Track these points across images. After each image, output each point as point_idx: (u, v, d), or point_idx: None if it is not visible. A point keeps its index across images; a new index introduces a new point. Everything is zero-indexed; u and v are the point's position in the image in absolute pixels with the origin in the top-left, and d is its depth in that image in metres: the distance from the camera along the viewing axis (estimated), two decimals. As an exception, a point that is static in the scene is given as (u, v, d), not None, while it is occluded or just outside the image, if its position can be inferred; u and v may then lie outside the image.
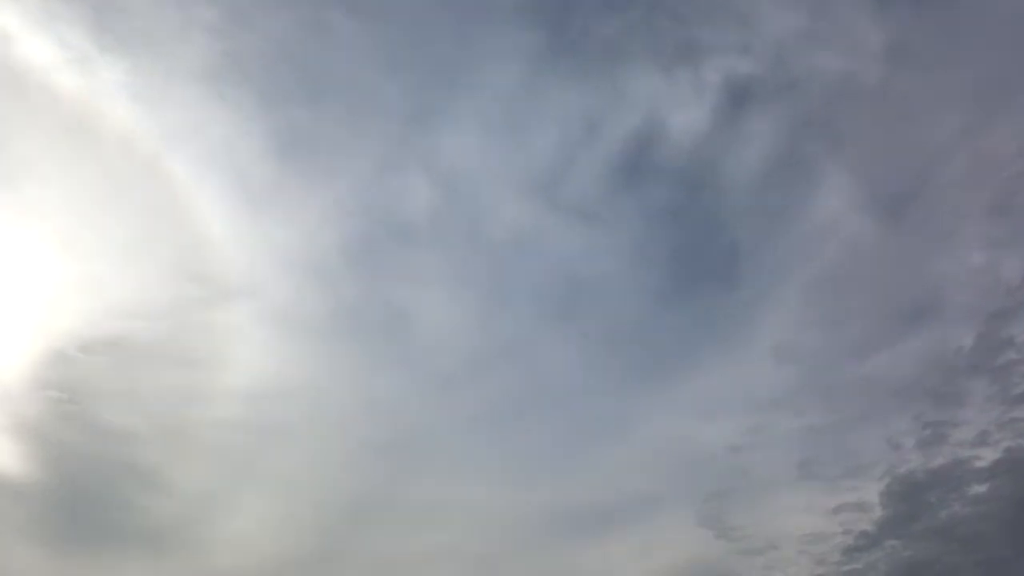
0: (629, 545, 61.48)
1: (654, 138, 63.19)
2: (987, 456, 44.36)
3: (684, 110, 61.79)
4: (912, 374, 51.20)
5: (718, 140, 62.32)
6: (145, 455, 58.24)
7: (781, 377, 59.93)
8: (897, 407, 49.78)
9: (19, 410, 55.17)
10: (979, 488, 44.03)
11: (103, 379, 58.11)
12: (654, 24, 61.64)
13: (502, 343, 69.80)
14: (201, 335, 60.42)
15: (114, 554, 55.66)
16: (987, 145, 52.03)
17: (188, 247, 60.43)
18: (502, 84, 63.15)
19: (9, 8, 51.73)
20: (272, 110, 60.92)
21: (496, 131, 64.25)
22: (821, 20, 58.22)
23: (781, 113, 61.30)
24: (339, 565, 59.98)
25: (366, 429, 66.56)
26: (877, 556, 45.34)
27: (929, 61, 55.66)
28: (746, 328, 63.96)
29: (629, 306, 67.68)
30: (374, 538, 62.12)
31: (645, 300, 66.93)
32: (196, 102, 58.66)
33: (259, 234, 63.21)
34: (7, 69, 52.37)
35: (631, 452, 64.43)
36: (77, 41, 54.02)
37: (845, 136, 58.65)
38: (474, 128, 63.35)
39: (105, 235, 58.85)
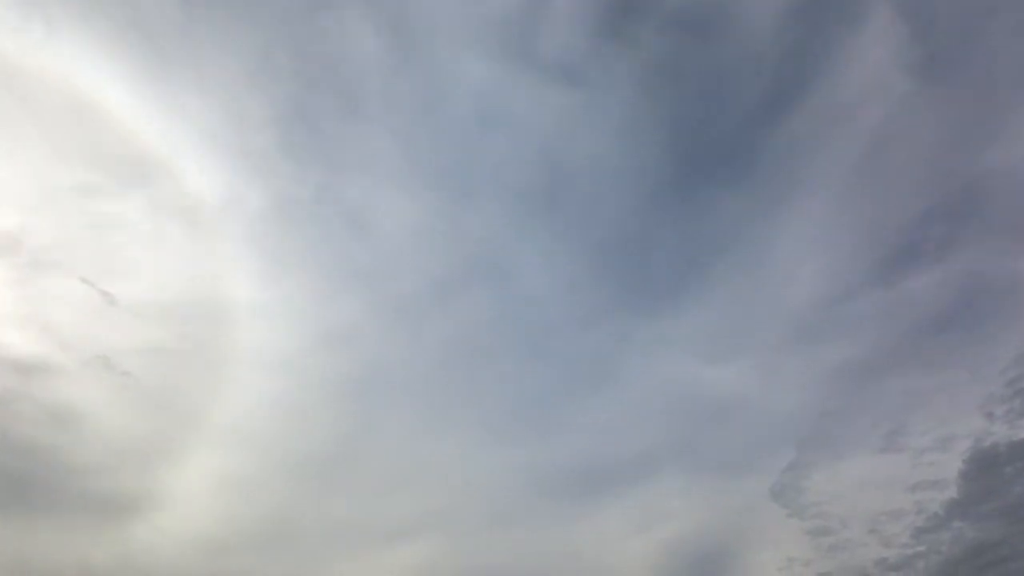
0: (625, 516, 51.82)
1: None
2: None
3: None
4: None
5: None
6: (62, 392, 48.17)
7: (808, 302, 53.14)
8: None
9: None
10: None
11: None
12: None
13: (471, 256, 56.17)
14: (108, 233, 49.39)
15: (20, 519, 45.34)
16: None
17: (88, 128, 47.95)
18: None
19: None
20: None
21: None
22: None
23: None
24: (300, 539, 50.24)
25: (321, 366, 55.13)
26: (943, 537, 40.93)
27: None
28: (765, 234, 55.59)
29: (620, 203, 56.72)
30: (335, 503, 52.92)
31: (640, 193, 56.19)
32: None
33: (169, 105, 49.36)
34: None
35: (625, 401, 54.99)
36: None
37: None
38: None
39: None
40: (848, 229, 52.56)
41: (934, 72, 47.89)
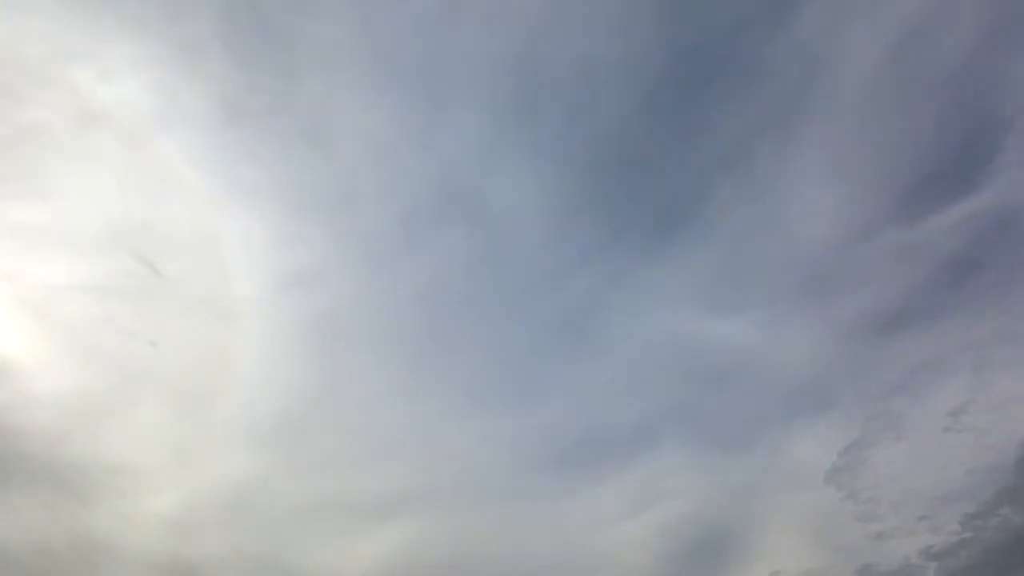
0: (620, 495, 46.56)
1: None
2: None
3: None
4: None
5: None
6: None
7: (823, 242, 47.04)
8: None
9: None
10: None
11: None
12: None
13: (443, 183, 48.98)
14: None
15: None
16: None
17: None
18: None
19: None
20: None
21: None
22: None
23: None
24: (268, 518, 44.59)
25: (279, 314, 48.20)
26: (989, 523, 39.15)
27: None
28: (773, 156, 48.68)
29: (610, 115, 49.00)
30: (303, 477, 46.90)
31: (632, 104, 48.24)
32: None
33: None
34: None
35: (617, 359, 49.27)
36: None
37: None
38: None
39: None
40: (866, 154, 45.14)
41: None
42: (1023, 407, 39.54)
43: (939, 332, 44.98)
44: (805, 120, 46.50)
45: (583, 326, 49.38)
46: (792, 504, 45.10)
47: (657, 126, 48.07)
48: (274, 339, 49.07)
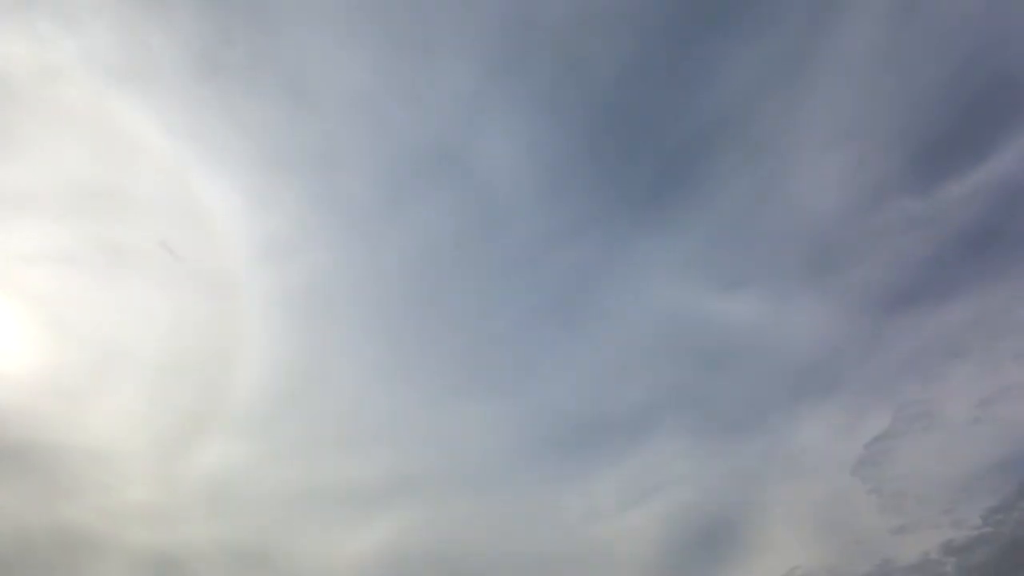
0: (620, 483, 44.21)
1: None
2: None
3: None
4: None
5: None
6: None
7: (832, 212, 44.89)
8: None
9: None
10: None
11: None
12: None
13: (430, 144, 45.82)
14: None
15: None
16: None
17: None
18: None
19: None
20: None
21: None
22: None
23: None
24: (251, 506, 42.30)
25: (260, 284, 45.48)
26: (1011, 518, 37.82)
27: None
28: (777, 114, 45.92)
29: (604, 70, 45.70)
30: (287, 462, 44.45)
31: (628, 56, 45.44)
32: None
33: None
34: None
35: (615, 337, 47.05)
36: None
37: None
38: None
39: None
40: (875, 114, 42.34)
41: None
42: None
43: (952, 310, 42.63)
44: (811, 77, 43.48)
45: (576, 302, 46.71)
46: (799, 492, 42.93)
47: (654, 81, 44.83)
48: (255, 313, 46.20)
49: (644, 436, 45.88)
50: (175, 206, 43.10)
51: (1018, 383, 37.97)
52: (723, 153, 45.19)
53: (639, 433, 45.91)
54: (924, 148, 43.58)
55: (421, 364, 46.18)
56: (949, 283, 43.27)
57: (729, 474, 44.21)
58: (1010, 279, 41.57)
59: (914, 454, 39.70)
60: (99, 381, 45.42)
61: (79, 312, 44.84)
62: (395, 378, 46.19)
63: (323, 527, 43.90)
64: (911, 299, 43.96)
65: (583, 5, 42.08)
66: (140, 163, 43.92)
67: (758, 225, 45.85)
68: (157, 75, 41.38)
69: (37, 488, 42.46)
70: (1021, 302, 40.51)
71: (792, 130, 44.81)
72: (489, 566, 40.09)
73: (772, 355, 45.70)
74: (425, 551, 41.53)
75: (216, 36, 42.18)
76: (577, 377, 46.98)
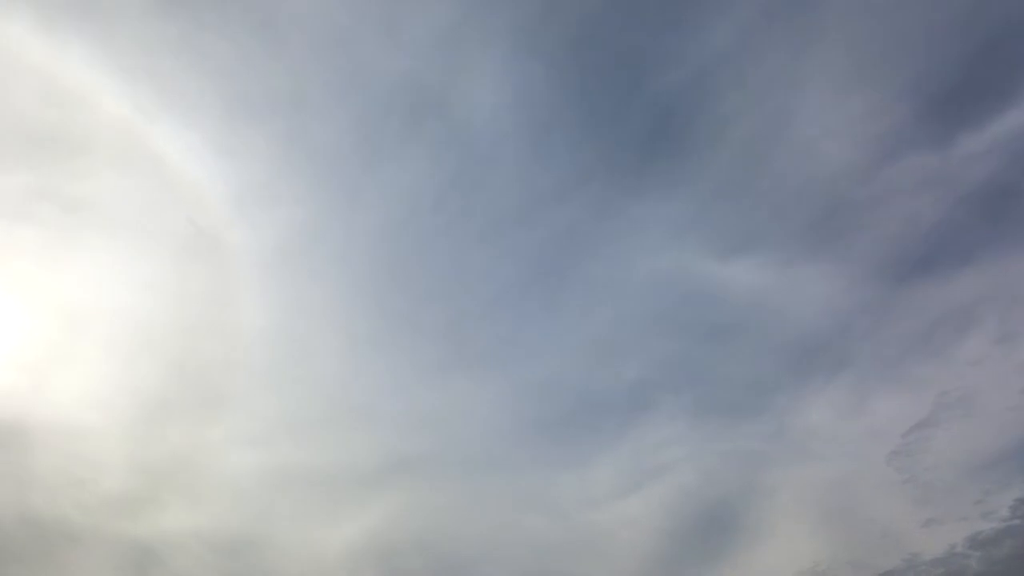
0: (617, 468, 41.54)
1: None
2: None
3: None
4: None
5: None
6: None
7: (842, 167, 41.81)
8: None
9: None
10: None
11: None
12: None
13: (405, 81, 42.26)
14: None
15: None
16: None
17: None
18: None
19: None
20: None
21: None
22: None
23: None
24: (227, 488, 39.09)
25: (231, 243, 41.22)
26: None
27: None
28: (781, 51, 42.18)
29: None
30: (260, 440, 41.62)
31: None
32: None
33: None
34: None
35: (609, 309, 44.31)
36: None
37: None
38: None
39: None
40: (888, 57, 38.81)
41: None
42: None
43: (971, 276, 39.52)
44: (818, 15, 39.23)
45: (564, 268, 43.32)
46: (806, 478, 40.25)
47: (649, 16, 40.53)
48: (226, 276, 42.10)
49: (640, 417, 43.02)
50: (130, 153, 38.80)
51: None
52: (722, 99, 41.12)
53: (635, 413, 43.03)
54: (939, 96, 39.07)
55: (402, 336, 42.80)
56: (966, 245, 39.43)
57: (731, 458, 41.35)
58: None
59: (950, 442, 37.21)
60: (63, 352, 41.55)
61: (37, 275, 40.70)
62: (376, 351, 42.86)
63: (307, 514, 40.69)
64: (925, 264, 40.45)
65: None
66: (94, 110, 39.46)
67: (760, 182, 42.12)
68: (110, 12, 36.75)
69: (3, 471, 38.81)
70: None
71: (799, 73, 40.63)
72: (481, 555, 37.42)
73: (776, 328, 42.55)
74: (414, 539, 38.69)
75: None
76: (567, 352, 43.80)
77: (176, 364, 42.79)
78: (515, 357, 43.81)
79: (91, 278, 41.30)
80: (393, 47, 39.68)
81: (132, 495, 40.20)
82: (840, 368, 42.53)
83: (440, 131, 41.40)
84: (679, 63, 40.84)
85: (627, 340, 44.10)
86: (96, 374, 42.11)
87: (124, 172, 40.71)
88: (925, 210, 40.52)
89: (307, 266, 42.24)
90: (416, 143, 41.43)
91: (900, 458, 37.82)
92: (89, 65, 38.69)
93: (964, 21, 38.04)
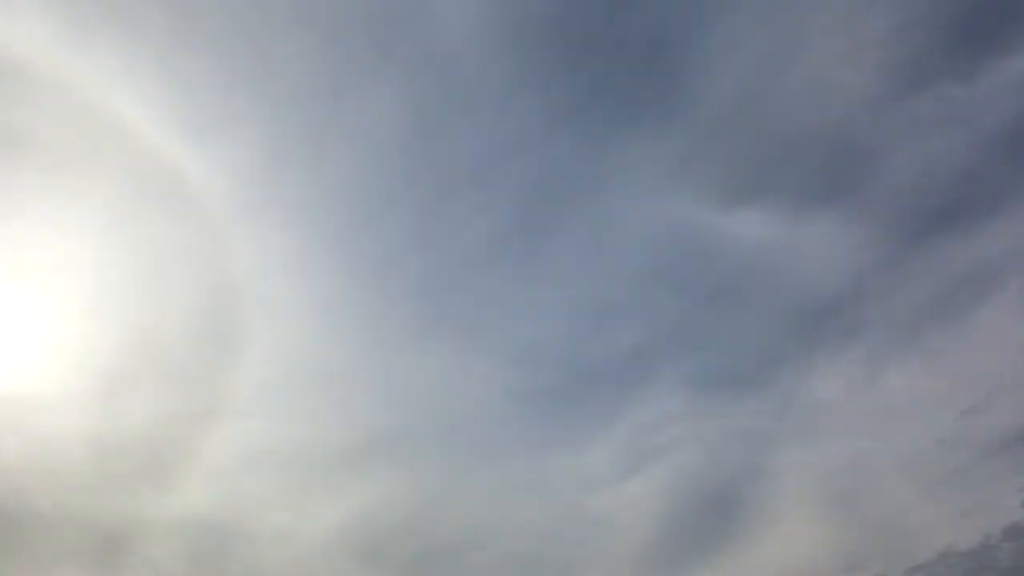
0: (613, 450, 39.07)
1: None
2: None
3: None
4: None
5: None
6: None
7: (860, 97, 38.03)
8: None
9: None
10: None
11: None
12: None
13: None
14: None
15: None
16: None
17: None
18: None
19: None
20: None
21: None
22: None
23: None
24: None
25: (192, 176, 36.99)
26: None
27: None
28: None
29: None
30: (252, 415, 38.07)
31: None
32: None
33: None
34: None
35: (599, 262, 40.59)
36: None
37: None
38: None
39: None
40: None
41: None
42: None
43: (997, 229, 36.28)
44: None
45: (545, 222, 39.52)
46: (811, 458, 37.81)
47: None
48: (180, 224, 37.95)
49: (637, 390, 39.99)
50: (71, 89, 33.99)
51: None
52: (723, 20, 36.87)
53: (631, 386, 39.96)
54: (963, 18, 36.01)
55: (372, 299, 39.13)
56: (992, 192, 36.43)
57: (734, 436, 38.72)
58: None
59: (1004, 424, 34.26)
60: (22, 317, 37.84)
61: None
62: (345, 313, 39.24)
63: (295, 494, 37.88)
64: (945, 220, 37.12)
65: None
66: (21, 33, 34.30)
67: (765, 117, 38.29)
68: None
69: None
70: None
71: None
72: (470, 540, 34.93)
73: (782, 289, 39.28)
74: (399, 523, 36.09)
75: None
76: (553, 315, 40.74)
77: (133, 328, 39.12)
78: (496, 322, 40.62)
79: (33, 226, 37.10)
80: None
81: (100, 471, 37.22)
82: (851, 336, 39.48)
83: (412, 52, 36.73)
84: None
85: (617, 303, 40.97)
86: (46, 340, 38.42)
87: (61, 106, 36.01)
88: (945, 154, 36.78)
89: (265, 212, 38.34)
90: (385, 66, 36.86)
91: (948, 444, 35.17)
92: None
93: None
